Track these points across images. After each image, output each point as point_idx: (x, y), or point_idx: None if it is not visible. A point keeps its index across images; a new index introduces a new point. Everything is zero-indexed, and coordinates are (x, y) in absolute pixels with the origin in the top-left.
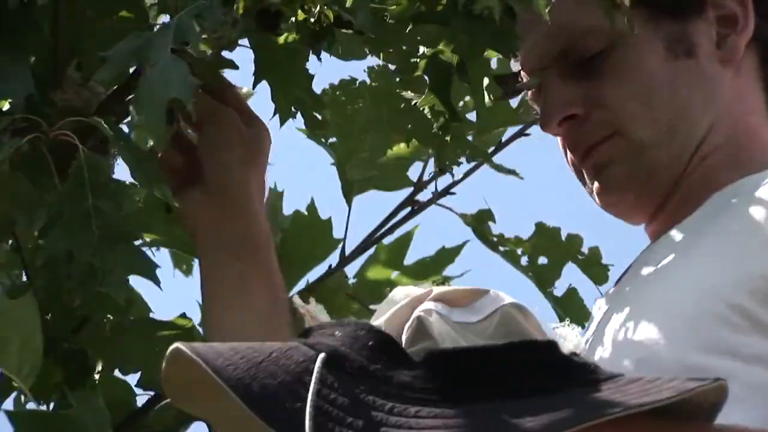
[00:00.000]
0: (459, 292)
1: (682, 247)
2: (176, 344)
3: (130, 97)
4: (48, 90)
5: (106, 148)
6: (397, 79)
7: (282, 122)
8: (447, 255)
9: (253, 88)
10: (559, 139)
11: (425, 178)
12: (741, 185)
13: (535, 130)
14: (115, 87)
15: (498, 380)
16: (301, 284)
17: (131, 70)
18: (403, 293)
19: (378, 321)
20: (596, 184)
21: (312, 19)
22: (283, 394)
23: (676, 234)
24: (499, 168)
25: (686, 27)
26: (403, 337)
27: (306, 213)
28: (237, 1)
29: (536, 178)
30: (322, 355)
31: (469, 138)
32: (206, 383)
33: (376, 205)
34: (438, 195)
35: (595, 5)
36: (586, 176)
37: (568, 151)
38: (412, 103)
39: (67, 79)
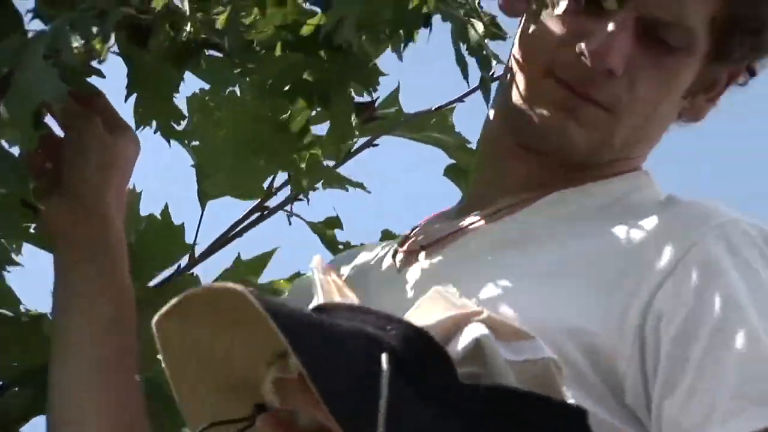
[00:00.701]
0: (508, 327)
1: (543, 251)
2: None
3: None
4: None
5: None
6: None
7: (137, 128)
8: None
9: (125, 101)
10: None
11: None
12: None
13: (382, 140)
14: None
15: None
16: (151, 283)
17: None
18: (442, 304)
19: (417, 321)
20: (555, 112)
21: (182, 38)
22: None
23: (539, 224)
24: (348, 182)
25: (715, 75)
26: (452, 349)
27: (160, 218)
28: (109, 15)
29: (389, 186)
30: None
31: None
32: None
33: (232, 209)
34: (287, 201)
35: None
36: (550, 94)
37: (561, 72)
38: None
39: None
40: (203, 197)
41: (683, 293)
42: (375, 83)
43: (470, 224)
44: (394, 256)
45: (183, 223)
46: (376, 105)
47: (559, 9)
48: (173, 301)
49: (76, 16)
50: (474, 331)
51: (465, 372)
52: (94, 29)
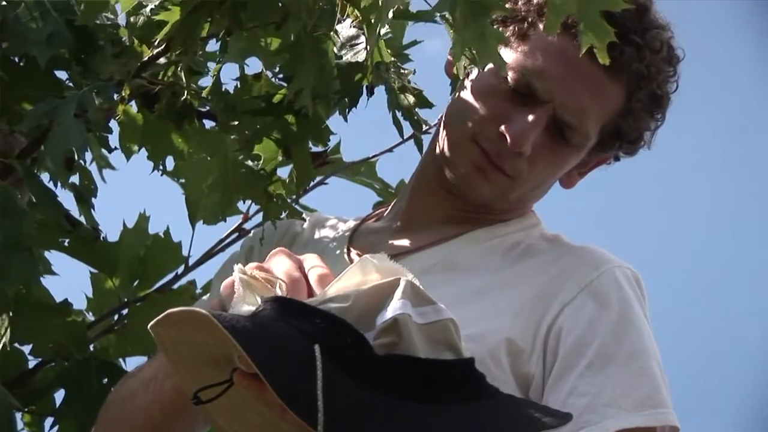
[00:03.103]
0: (421, 293)
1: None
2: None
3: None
4: None
5: (22, 182)
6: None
7: (154, 169)
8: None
9: (138, 151)
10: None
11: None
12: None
13: (331, 180)
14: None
15: (443, 386)
16: (155, 286)
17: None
18: (371, 274)
19: (345, 290)
20: (471, 170)
21: (180, 103)
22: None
23: (480, 251)
24: (306, 209)
25: (591, 159)
26: (379, 318)
27: (162, 236)
28: (125, 85)
29: (336, 212)
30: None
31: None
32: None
33: (216, 230)
34: (259, 225)
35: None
36: (471, 156)
37: (482, 142)
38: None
39: None
40: (193, 220)
41: (580, 316)
42: (326, 139)
43: (409, 248)
44: (348, 255)
45: (180, 241)
46: (327, 153)
47: (487, 89)
48: (159, 316)
49: (101, 84)
50: (395, 307)
51: (384, 342)
52: (115, 96)
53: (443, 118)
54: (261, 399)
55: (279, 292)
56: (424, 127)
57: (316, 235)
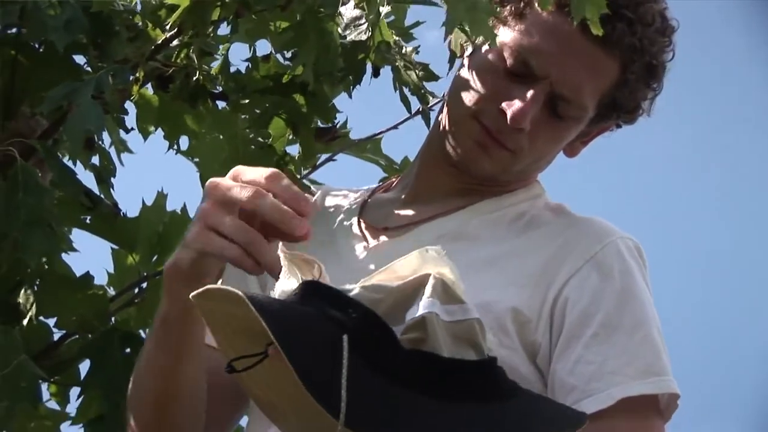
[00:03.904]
0: (452, 293)
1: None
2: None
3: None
4: (2, 120)
5: (43, 163)
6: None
7: (169, 149)
8: None
9: (155, 131)
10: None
11: None
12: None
13: (339, 156)
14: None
15: (463, 384)
16: None
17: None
18: (406, 269)
19: (377, 283)
20: (473, 147)
21: (192, 84)
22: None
23: (487, 226)
24: (315, 184)
25: (592, 129)
26: (410, 313)
27: (180, 213)
28: (140, 67)
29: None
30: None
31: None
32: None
33: None
34: None
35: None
36: (473, 133)
37: (483, 119)
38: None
39: (20, 113)
40: None
41: (585, 287)
42: (332, 117)
43: (418, 219)
44: (359, 225)
45: None
46: (336, 128)
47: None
48: (199, 290)
49: (117, 68)
50: (425, 304)
51: (411, 337)
52: (131, 78)
53: (446, 96)
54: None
55: (316, 274)
56: (432, 101)
57: (327, 206)
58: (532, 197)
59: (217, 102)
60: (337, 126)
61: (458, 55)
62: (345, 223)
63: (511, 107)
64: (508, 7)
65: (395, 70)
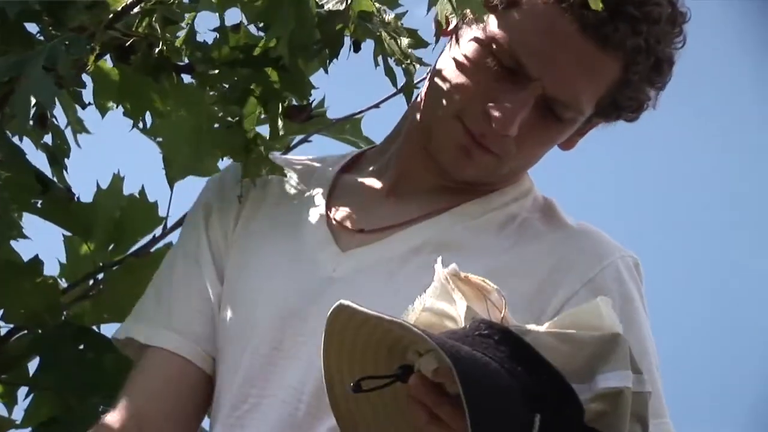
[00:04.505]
0: (635, 361)
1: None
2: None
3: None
4: None
5: None
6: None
7: (133, 127)
8: None
9: (116, 107)
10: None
11: None
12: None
13: (315, 137)
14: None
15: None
16: (132, 250)
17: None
18: (592, 317)
19: (566, 333)
20: (455, 150)
21: (155, 55)
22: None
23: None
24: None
25: (590, 123)
26: (598, 381)
27: (138, 197)
28: (96, 35)
29: None
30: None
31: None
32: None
33: (195, 185)
34: None
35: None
36: (455, 135)
37: (466, 120)
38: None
39: None
40: (170, 180)
41: None
42: (308, 95)
43: (400, 222)
44: (329, 220)
45: (156, 201)
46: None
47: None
48: (358, 307)
49: (72, 37)
50: (622, 375)
51: (598, 408)
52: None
53: (428, 82)
54: (423, 408)
55: (495, 312)
56: (419, 73)
57: (289, 186)
58: (521, 195)
59: (182, 76)
60: (313, 104)
61: (443, 27)
62: (312, 211)
63: (498, 111)
64: None
65: (377, 42)
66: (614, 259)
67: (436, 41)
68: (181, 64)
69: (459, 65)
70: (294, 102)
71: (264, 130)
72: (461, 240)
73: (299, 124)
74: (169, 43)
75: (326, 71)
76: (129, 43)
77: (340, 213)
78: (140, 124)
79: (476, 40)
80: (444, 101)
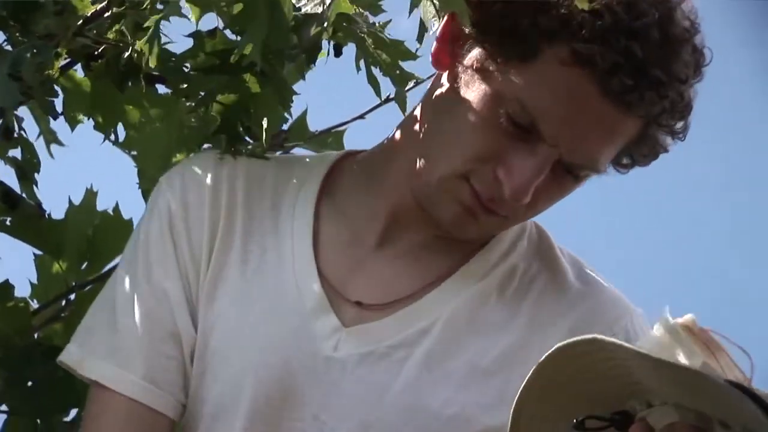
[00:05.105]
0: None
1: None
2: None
3: None
4: None
5: None
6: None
7: (105, 140)
8: None
9: (88, 119)
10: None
11: None
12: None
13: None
14: None
15: None
16: (106, 268)
17: None
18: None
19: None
20: (460, 211)
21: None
22: None
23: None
24: None
25: None
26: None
27: (112, 213)
28: (63, 42)
29: None
30: None
31: None
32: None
33: None
34: None
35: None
36: (461, 196)
37: (474, 182)
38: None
39: None
40: (145, 195)
41: None
42: (289, 101)
43: (401, 297)
44: (320, 278)
45: (131, 218)
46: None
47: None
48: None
49: (39, 44)
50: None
51: None
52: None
53: (420, 118)
54: None
55: (725, 364)
56: (410, 84)
57: (262, 196)
58: (518, 235)
59: (157, 86)
60: (295, 116)
61: (427, 29)
62: (298, 249)
63: (511, 178)
64: (510, 48)
65: (358, 46)
66: (624, 323)
67: (419, 40)
68: (155, 74)
69: (465, 118)
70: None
71: None
72: (470, 314)
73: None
74: (139, 50)
75: (303, 78)
76: (99, 51)
77: (330, 267)
78: (112, 137)
79: (486, 93)
80: (449, 158)
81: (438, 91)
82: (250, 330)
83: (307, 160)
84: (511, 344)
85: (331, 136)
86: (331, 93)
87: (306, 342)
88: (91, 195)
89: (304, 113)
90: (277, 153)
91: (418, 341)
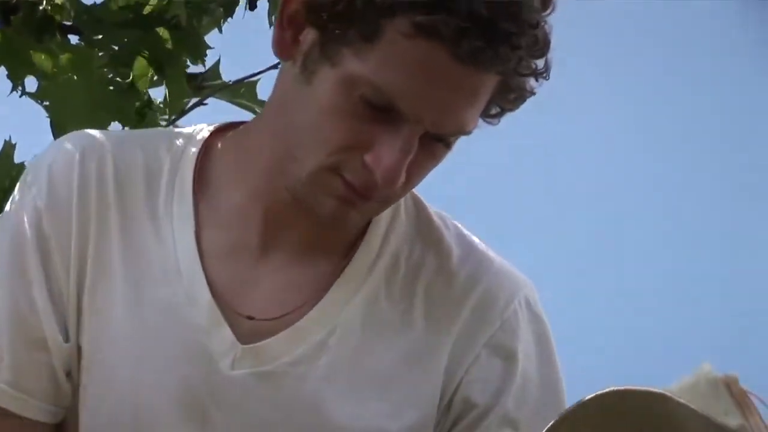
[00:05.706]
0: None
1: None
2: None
3: None
4: None
5: None
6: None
7: (13, 90)
8: None
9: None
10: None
11: None
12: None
13: (210, 100)
14: None
15: None
16: None
17: None
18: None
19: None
20: (337, 204)
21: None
22: None
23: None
24: None
25: None
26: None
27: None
28: None
29: None
30: None
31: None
32: None
33: None
34: None
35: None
36: (335, 189)
37: (345, 173)
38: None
39: None
40: None
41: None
42: (203, 55)
43: (292, 309)
44: (210, 286)
45: None
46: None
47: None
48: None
49: None
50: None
51: None
52: None
53: (275, 113)
54: None
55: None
56: None
57: (135, 190)
58: (393, 214)
59: (69, 37)
60: (209, 68)
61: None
62: (181, 248)
63: (380, 163)
64: (352, 31)
65: (270, 1)
66: (514, 307)
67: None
68: (68, 24)
69: (319, 109)
70: (189, 62)
71: (156, 93)
72: (363, 318)
73: (195, 90)
74: (53, 2)
75: (220, 31)
76: (13, 2)
77: (219, 278)
78: (21, 87)
79: (336, 79)
80: (312, 153)
81: (287, 84)
82: (141, 345)
83: (178, 142)
84: (410, 345)
85: (244, 87)
86: (243, 44)
87: (202, 358)
88: (9, 147)
89: (217, 63)
90: (193, 100)
91: (317, 355)
